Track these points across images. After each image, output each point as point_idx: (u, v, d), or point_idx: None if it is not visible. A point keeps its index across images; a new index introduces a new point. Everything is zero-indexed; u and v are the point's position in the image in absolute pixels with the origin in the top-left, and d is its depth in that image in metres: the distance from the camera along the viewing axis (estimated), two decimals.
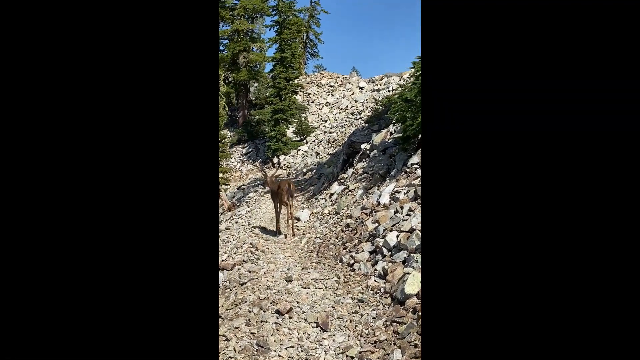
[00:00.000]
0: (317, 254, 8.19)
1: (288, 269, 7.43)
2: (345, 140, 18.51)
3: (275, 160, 23.30)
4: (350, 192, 10.29)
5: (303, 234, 9.74)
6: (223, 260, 8.65)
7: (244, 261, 8.09)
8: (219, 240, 10.83)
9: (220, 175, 21.99)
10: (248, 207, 13.59)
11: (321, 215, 10.49)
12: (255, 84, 28.47)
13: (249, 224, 11.52)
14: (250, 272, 7.45)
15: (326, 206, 10.98)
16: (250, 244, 9.16)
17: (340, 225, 9.04)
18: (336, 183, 11.92)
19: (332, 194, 11.58)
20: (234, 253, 8.91)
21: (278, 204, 9.92)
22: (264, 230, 10.60)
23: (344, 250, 7.82)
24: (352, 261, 7.19)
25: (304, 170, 18.29)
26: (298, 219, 11.16)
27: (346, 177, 11.69)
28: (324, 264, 7.62)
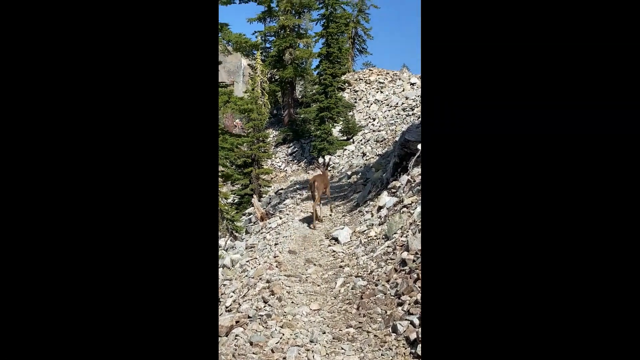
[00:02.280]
0: (357, 308, 5.10)
1: (311, 341, 4.39)
2: (397, 139, 15.22)
3: (321, 160, 20.35)
4: (405, 209, 7.10)
5: (340, 266, 6.65)
6: (227, 308, 5.69)
7: (249, 317, 5.09)
8: (234, 271, 7.89)
9: (262, 177, 19.25)
10: (281, 218, 10.59)
11: (366, 239, 7.36)
12: (302, 82, 25.54)
13: (276, 244, 8.54)
14: (252, 344, 4.44)
15: (373, 225, 7.83)
16: (268, 281, 6.17)
17: (392, 259, 5.90)
18: (386, 193, 8.73)
19: (380, 208, 8.41)
20: (243, 296, 5.94)
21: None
22: (291, 255, 7.58)
23: (399, 307, 4.71)
24: (413, 333, 4.07)
25: (349, 172, 15.15)
26: (336, 240, 8.08)
27: (399, 187, 8.49)
28: (367, 331, 4.52)
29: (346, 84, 24.92)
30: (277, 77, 25.34)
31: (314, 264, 6.94)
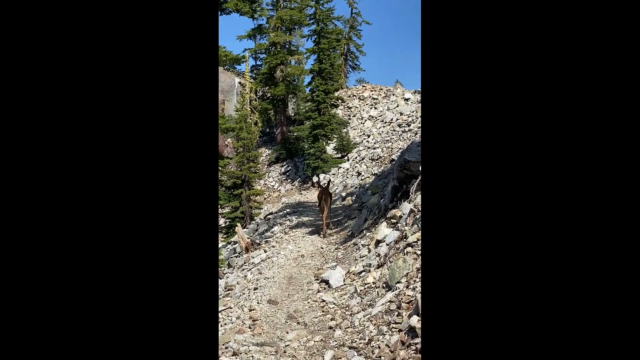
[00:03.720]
0: None
1: None
2: (395, 158, 13.61)
3: (315, 179, 18.73)
4: (409, 248, 5.45)
5: (330, 327, 4.99)
6: None
7: None
8: None
9: (254, 198, 17.59)
10: (265, 251, 8.91)
11: (362, 285, 5.69)
12: (294, 99, 23.98)
13: (255, 288, 6.87)
14: None
15: (370, 265, 6.18)
16: (234, 354, 4.50)
17: (397, 323, 4.25)
18: (385, 224, 7.10)
19: (378, 242, 6.78)
20: None
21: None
22: (271, 308, 5.90)
23: None
24: None
25: (343, 194, 13.51)
26: (326, 283, 6.43)
27: (400, 217, 6.85)
28: None
29: (339, 101, 23.43)
30: (268, 94, 23.85)
31: (298, 322, 5.27)
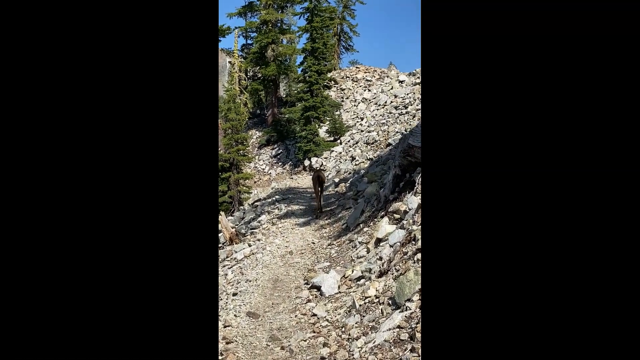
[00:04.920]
0: None
1: None
2: (392, 142, 12.37)
3: (307, 163, 17.52)
4: (420, 252, 4.26)
5: (322, 357, 3.81)
6: None
7: None
8: None
9: (243, 182, 16.33)
10: (250, 245, 7.71)
11: (361, 299, 4.51)
12: (286, 80, 22.55)
13: (235, 294, 5.68)
14: None
15: (371, 271, 5.02)
16: None
17: (411, 349, 3.09)
18: (386, 220, 5.92)
19: (379, 241, 5.61)
20: None
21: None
22: (250, 323, 4.72)
23: None
24: None
25: (336, 180, 12.30)
26: (318, 290, 5.27)
27: (405, 212, 5.67)
28: None
29: (332, 82, 22.10)
30: (259, 75, 22.43)
31: (282, 348, 4.10)
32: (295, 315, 4.77)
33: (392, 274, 4.47)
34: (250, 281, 5.97)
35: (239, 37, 20.94)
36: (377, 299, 4.27)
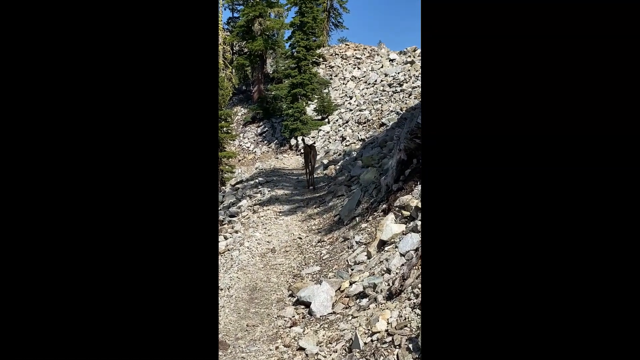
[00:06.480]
0: None
1: None
2: (385, 122, 10.97)
3: (293, 142, 16.12)
4: None
5: None
6: None
7: None
8: None
9: (225, 161, 14.89)
10: (226, 238, 6.35)
11: (366, 333, 3.20)
12: (273, 55, 20.88)
13: None
14: None
15: (375, 289, 3.70)
16: None
17: None
18: (392, 217, 4.60)
19: (383, 244, 4.30)
20: None
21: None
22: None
23: None
24: None
25: (325, 161, 10.93)
26: (307, 308, 3.97)
27: (416, 207, 4.34)
28: None
29: (321, 59, 20.52)
30: (246, 50, 20.73)
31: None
32: (276, 348, 3.46)
33: (408, 299, 3.17)
34: (221, 290, 4.63)
35: (224, 9, 19.15)
36: (391, 338, 2.97)
